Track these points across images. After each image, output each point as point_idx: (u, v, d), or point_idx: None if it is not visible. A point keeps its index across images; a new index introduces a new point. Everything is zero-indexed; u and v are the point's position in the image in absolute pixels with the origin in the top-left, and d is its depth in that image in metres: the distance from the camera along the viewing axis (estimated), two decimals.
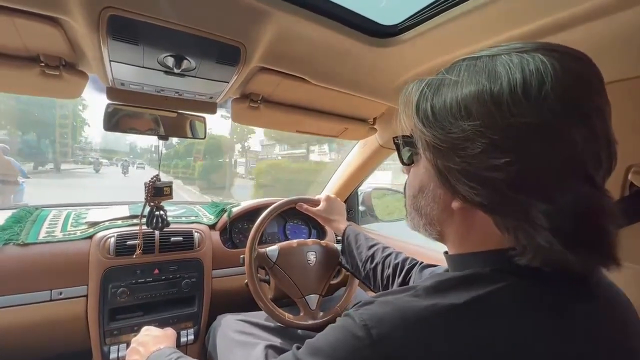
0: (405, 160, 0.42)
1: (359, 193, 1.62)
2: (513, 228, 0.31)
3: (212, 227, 1.21)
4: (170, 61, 0.62)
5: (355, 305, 0.35)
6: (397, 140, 0.42)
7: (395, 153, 0.43)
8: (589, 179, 0.29)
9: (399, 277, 0.74)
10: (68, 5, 0.50)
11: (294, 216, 1.42)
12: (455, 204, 0.35)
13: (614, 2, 0.44)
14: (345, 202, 1.56)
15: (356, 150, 1.36)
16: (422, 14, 0.60)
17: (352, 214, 1.62)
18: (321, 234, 1.46)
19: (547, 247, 0.29)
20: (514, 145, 0.29)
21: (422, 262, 0.74)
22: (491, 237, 0.34)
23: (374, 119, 1.13)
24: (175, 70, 0.64)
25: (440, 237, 0.41)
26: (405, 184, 0.44)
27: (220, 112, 0.97)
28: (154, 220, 0.98)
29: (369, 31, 0.65)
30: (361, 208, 1.64)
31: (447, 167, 0.33)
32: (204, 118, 0.99)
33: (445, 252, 0.42)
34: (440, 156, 0.33)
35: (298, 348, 0.37)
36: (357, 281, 1.05)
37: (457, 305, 0.30)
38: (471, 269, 0.34)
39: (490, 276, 0.32)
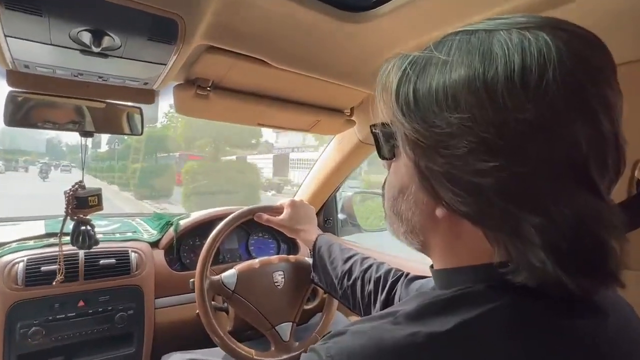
0: (385, 154, 0.42)
1: (337, 198, 1.62)
2: (504, 242, 0.31)
3: (154, 244, 1.19)
4: (86, 37, 0.59)
5: (324, 336, 0.34)
6: (375, 129, 0.42)
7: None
8: (591, 188, 0.29)
9: (381, 293, 0.74)
10: None
11: (259, 229, 1.41)
12: (439, 211, 0.35)
13: None
14: (321, 210, 1.56)
15: (332, 148, 1.37)
16: None
17: (330, 224, 1.62)
18: (293, 248, 1.46)
19: (540, 266, 0.29)
20: (505, 146, 0.28)
21: (407, 274, 0.74)
22: (482, 250, 0.34)
23: (351, 109, 1.13)
24: (94, 49, 0.61)
25: (424, 248, 0.41)
26: (385, 182, 0.44)
27: (168, 101, 0.94)
28: (79, 238, 0.93)
29: (338, 3, 0.64)
30: (341, 216, 1.64)
31: (429, 169, 0.33)
32: (140, 109, 0.96)
33: (431, 266, 0.42)
34: (422, 154, 0.33)
35: None
36: (336, 302, 1.06)
37: (440, 333, 0.30)
38: (460, 285, 0.34)
39: (484, 294, 0.32)
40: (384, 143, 0.41)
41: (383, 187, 0.44)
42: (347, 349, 0.31)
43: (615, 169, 0.31)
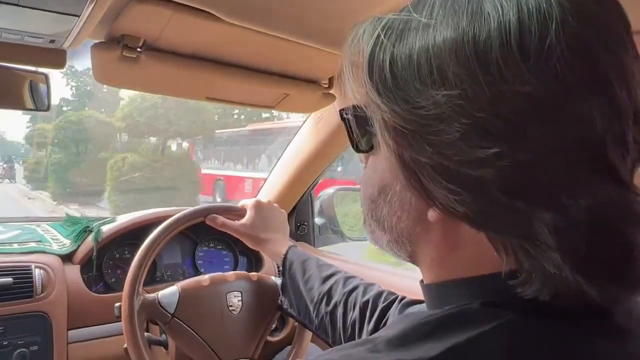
0: (360, 146, 0.43)
1: (314, 197, 1.63)
2: (512, 247, 0.32)
3: (67, 258, 1.18)
4: None
5: None
6: (346, 114, 0.42)
7: None
8: (611, 173, 0.31)
9: (369, 322, 0.75)
10: None
11: (210, 237, 1.41)
12: (431, 214, 0.36)
13: None
14: (292, 212, 1.57)
15: (306, 130, 1.38)
16: None
17: (304, 231, 1.63)
18: (254, 262, 1.46)
19: (556, 274, 0.30)
20: (505, 127, 0.30)
21: (403, 298, 0.76)
22: (484, 259, 0.35)
23: (330, 79, 1.14)
24: None
25: (413, 260, 0.43)
26: (362, 179, 0.45)
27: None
28: None
29: None
30: (318, 220, 1.65)
31: (415, 161, 0.34)
32: (45, 76, 0.95)
33: (421, 281, 0.44)
34: (405, 144, 0.34)
35: None
36: (309, 335, 1.06)
37: None
38: (454, 303, 0.35)
39: (480, 313, 0.34)
40: (358, 132, 0.42)
41: (360, 185, 0.45)
42: None
43: (638, 148, 0.32)
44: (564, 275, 0.30)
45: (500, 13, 0.30)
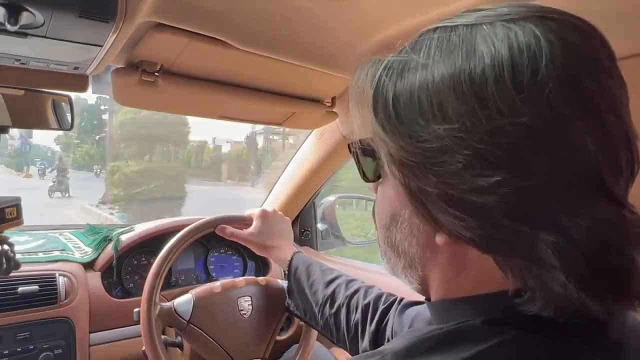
0: (368, 176, 0.43)
1: (317, 205, 1.63)
2: (518, 268, 0.33)
3: (88, 265, 1.18)
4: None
5: None
6: (354, 147, 0.43)
7: None
8: (607, 194, 0.31)
9: (370, 323, 0.75)
10: None
11: (220, 243, 1.41)
12: (439, 239, 0.36)
13: None
14: (296, 219, 1.58)
15: (310, 145, 1.38)
16: None
17: (308, 236, 1.64)
18: (262, 266, 1.46)
19: (561, 292, 0.31)
20: (505, 157, 0.30)
21: (402, 299, 0.76)
22: (489, 278, 0.36)
23: (333, 99, 1.15)
24: (10, 27, 0.60)
25: (423, 287, 0.43)
26: (373, 208, 0.45)
27: None
28: None
29: None
30: (321, 226, 1.65)
31: (422, 190, 0.34)
32: (68, 98, 0.95)
33: (427, 299, 0.44)
34: (412, 175, 0.34)
35: None
36: (314, 333, 1.06)
37: None
38: (460, 319, 0.36)
39: (483, 329, 0.34)
40: (365, 163, 0.42)
41: (373, 214, 0.45)
42: None
43: (630, 168, 0.32)
44: (568, 293, 0.30)
45: (493, 51, 0.30)
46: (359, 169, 0.44)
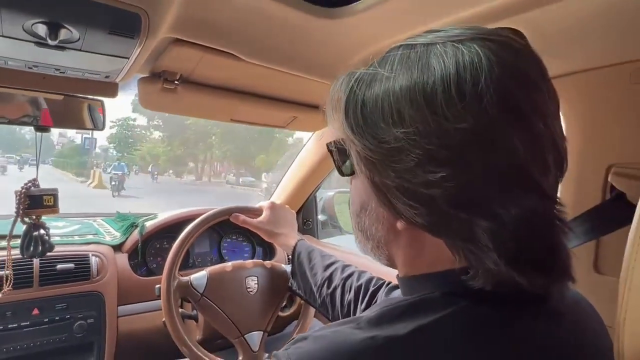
0: (344, 171, 0.45)
1: (317, 198, 1.65)
2: (462, 249, 0.35)
3: (117, 248, 1.19)
4: (41, 29, 0.60)
5: (289, 341, 0.37)
6: (331, 147, 0.45)
7: None
8: (536, 188, 0.33)
9: (361, 302, 0.77)
10: None
11: (232, 231, 1.42)
12: (399, 225, 0.38)
13: None
14: (300, 211, 1.59)
15: (311, 145, 1.39)
16: None
17: (309, 226, 1.65)
18: (268, 252, 1.48)
19: (495, 269, 0.33)
20: (449, 156, 0.32)
21: (389, 283, 0.77)
22: (443, 259, 0.37)
23: None
24: (50, 42, 0.61)
25: (390, 262, 0.45)
26: (349, 199, 0.47)
27: None
28: (30, 244, 0.93)
29: None
30: (321, 217, 1.67)
31: (384, 184, 0.36)
32: (101, 102, 0.96)
33: (397, 275, 0.46)
34: (375, 170, 0.36)
35: None
36: (312, 311, 1.08)
37: (397, 337, 0.33)
38: (421, 292, 0.38)
39: (440, 301, 0.36)
40: (340, 160, 0.44)
41: (349, 203, 0.47)
42: (306, 354, 0.34)
43: (558, 166, 0.34)
44: (500, 269, 0.32)
45: (443, 66, 0.32)
46: (335, 165, 0.45)
